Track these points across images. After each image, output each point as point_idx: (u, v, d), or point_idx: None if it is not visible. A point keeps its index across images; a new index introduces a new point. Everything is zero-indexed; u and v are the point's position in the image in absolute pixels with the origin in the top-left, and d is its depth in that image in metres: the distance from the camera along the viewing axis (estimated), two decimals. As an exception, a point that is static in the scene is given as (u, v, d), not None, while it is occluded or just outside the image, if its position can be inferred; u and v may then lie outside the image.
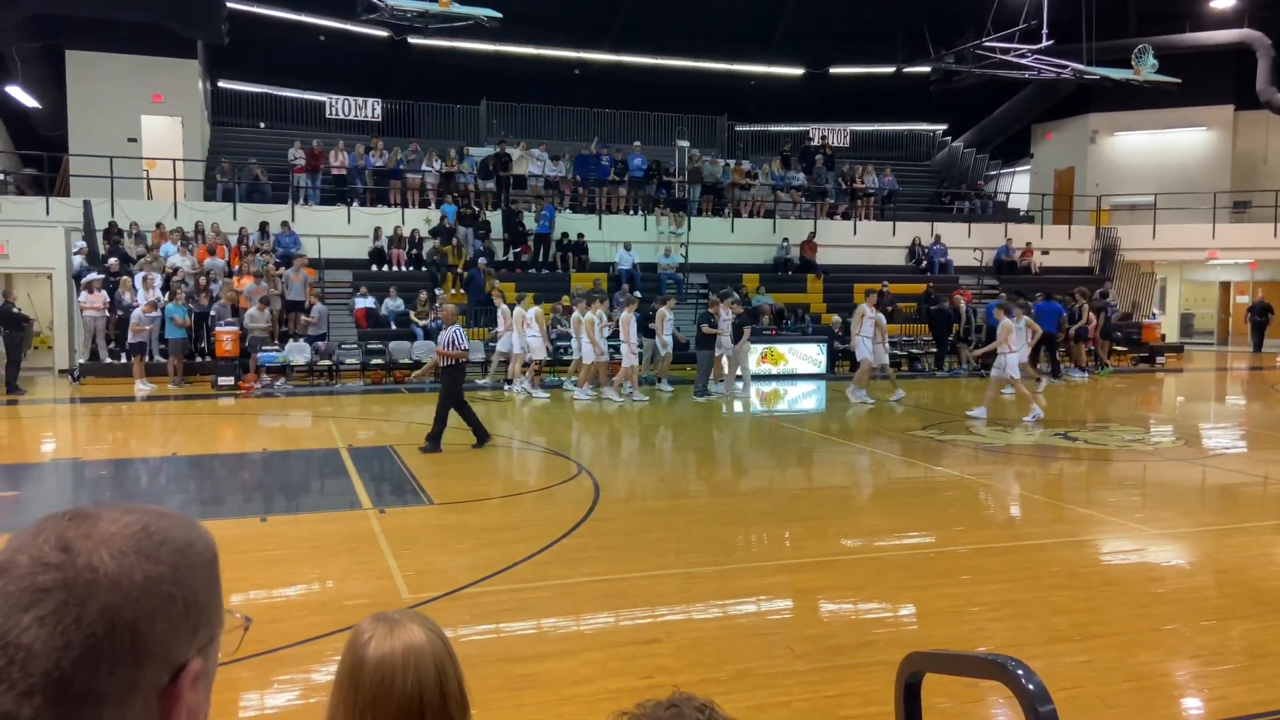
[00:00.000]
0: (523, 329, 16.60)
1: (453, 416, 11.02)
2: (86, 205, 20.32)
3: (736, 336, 16.63)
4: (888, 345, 17.04)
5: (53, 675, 0.78)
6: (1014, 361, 13.79)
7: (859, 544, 7.33)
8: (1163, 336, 24.90)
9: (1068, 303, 20.22)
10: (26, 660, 0.78)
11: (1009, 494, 9.33)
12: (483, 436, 11.12)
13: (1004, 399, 15.09)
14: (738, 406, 15.81)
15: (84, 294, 17.89)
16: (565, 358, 18.29)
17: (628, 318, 15.95)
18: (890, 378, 16.62)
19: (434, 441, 10.84)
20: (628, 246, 22.62)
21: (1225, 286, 30.19)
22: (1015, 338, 13.75)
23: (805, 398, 17.34)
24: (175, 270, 19.02)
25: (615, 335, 16.64)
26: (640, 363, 17.17)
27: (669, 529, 7.67)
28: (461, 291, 20.91)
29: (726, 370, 17.01)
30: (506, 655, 4.93)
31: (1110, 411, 15.63)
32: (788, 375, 18.97)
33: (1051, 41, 22.82)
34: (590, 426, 13.86)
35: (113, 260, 19.19)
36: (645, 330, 17.15)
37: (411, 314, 19.61)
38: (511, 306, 17.30)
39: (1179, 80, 25.07)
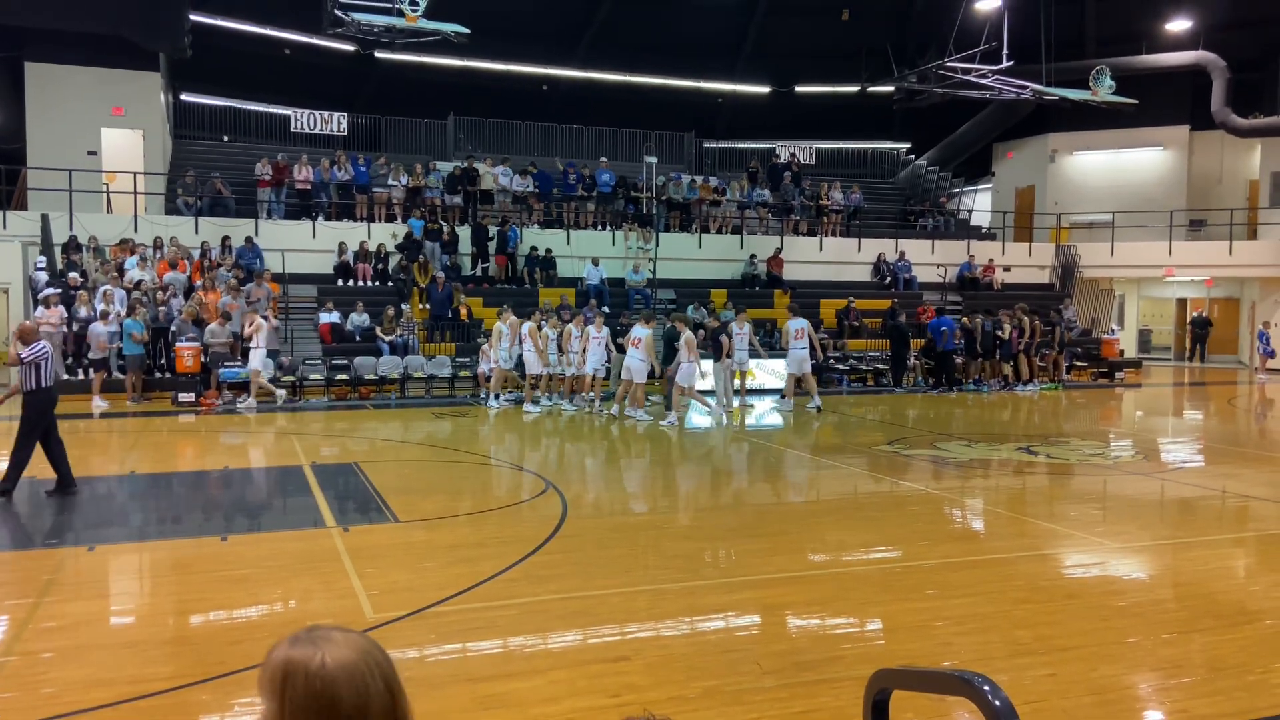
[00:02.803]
0: (497, 343, 16.63)
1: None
2: (45, 219, 20.00)
3: (717, 353, 16.78)
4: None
5: None
6: (687, 371, 15.18)
7: (826, 559, 7.35)
8: (1121, 352, 25.33)
9: (1001, 318, 20.78)
10: None
11: (973, 508, 9.41)
12: (66, 484, 9.26)
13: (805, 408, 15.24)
14: (707, 422, 15.83)
15: (41, 309, 17.57)
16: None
17: (650, 335, 15.80)
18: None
19: (6, 489, 9.04)
20: (595, 262, 22.64)
21: (1182, 303, 30.80)
22: (693, 350, 15.23)
23: (772, 413, 17.41)
24: (136, 284, 18.74)
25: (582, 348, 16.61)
26: (607, 377, 17.18)
27: (637, 545, 7.65)
28: (426, 307, 20.81)
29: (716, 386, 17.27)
30: (473, 675, 4.88)
31: (1070, 426, 15.85)
32: (755, 390, 19.04)
33: (1011, 63, 23.26)
34: (561, 443, 13.81)
35: (72, 275, 18.88)
36: (619, 347, 17.14)
37: (377, 329, 19.48)
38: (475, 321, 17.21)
39: (1136, 101, 25.63)
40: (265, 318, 17.31)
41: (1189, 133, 30.36)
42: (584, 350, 16.61)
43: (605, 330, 17.01)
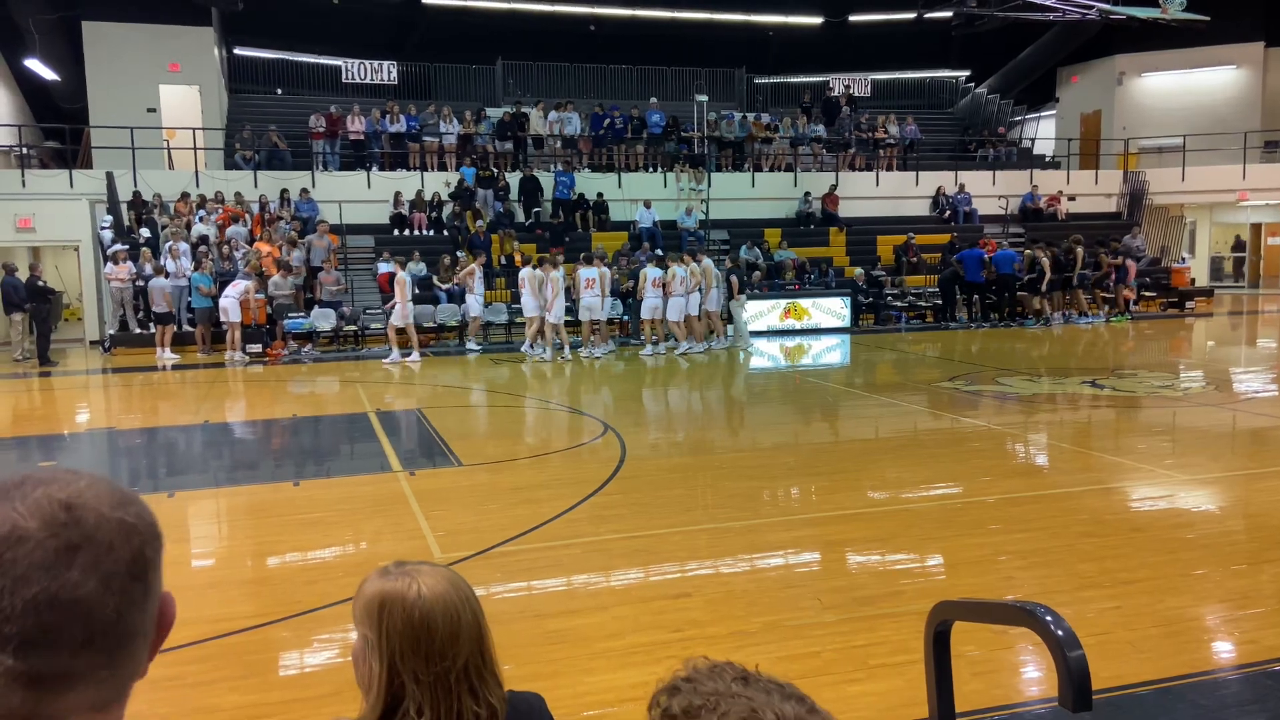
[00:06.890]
0: (534, 289, 16.59)
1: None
2: (110, 177, 20.43)
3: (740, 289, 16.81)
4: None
5: (110, 622, 0.84)
6: (400, 311, 15.94)
7: (885, 496, 7.35)
8: (1192, 281, 24.55)
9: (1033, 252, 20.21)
10: (86, 615, 0.82)
11: (1036, 443, 9.30)
12: None
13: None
14: (753, 361, 15.79)
15: (110, 265, 18.06)
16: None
17: (685, 275, 16.26)
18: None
19: None
20: (648, 204, 22.48)
21: (1256, 228, 29.66)
22: (404, 290, 15.90)
23: (829, 352, 17.30)
24: (202, 239, 19.12)
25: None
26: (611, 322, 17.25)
27: (696, 485, 7.73)
28: (479, 254, 20.86)
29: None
30: (539, 611, 5.02)
31: (1137, 358, 15.50)
32: (811, 330, 18.91)
33: (1076, -19, 22.30)
34: (610, 384, 13.90)
35: (144, 231, 19.36)
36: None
37: (434, 278, 19.65)
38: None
39: (1207, 18, 24.43)
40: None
41: (1264, 50, 28.91)
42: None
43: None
